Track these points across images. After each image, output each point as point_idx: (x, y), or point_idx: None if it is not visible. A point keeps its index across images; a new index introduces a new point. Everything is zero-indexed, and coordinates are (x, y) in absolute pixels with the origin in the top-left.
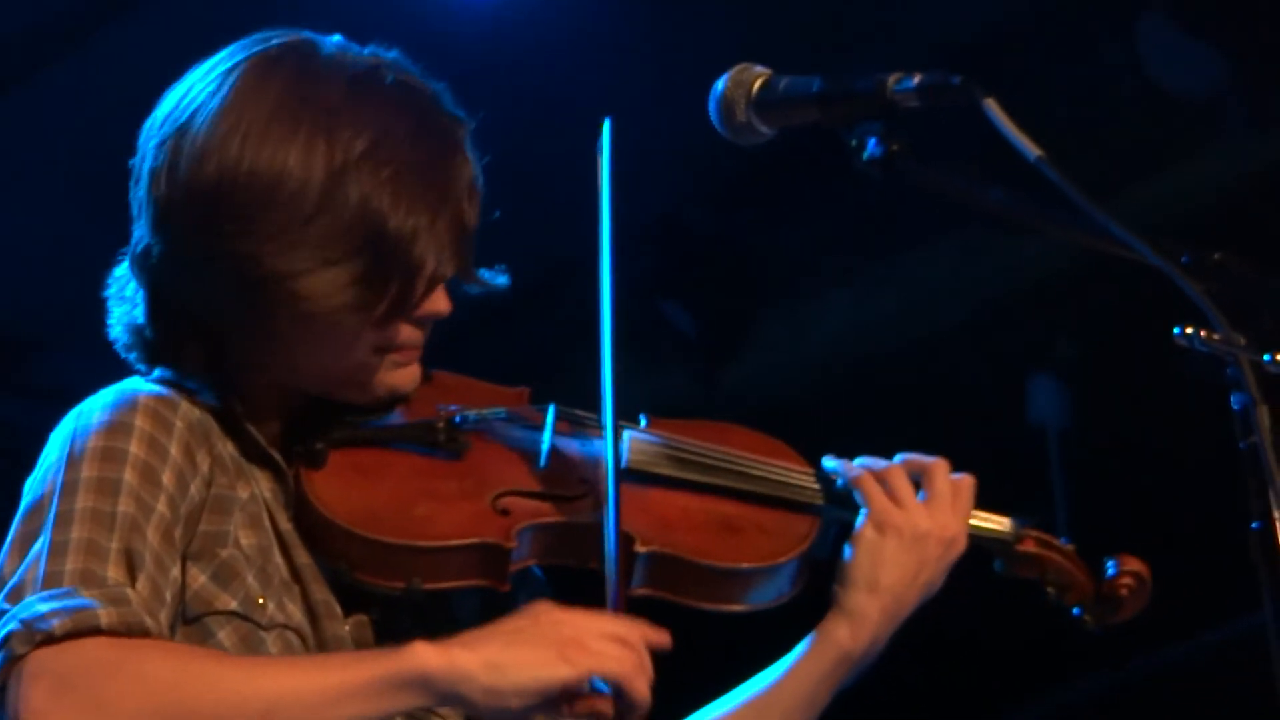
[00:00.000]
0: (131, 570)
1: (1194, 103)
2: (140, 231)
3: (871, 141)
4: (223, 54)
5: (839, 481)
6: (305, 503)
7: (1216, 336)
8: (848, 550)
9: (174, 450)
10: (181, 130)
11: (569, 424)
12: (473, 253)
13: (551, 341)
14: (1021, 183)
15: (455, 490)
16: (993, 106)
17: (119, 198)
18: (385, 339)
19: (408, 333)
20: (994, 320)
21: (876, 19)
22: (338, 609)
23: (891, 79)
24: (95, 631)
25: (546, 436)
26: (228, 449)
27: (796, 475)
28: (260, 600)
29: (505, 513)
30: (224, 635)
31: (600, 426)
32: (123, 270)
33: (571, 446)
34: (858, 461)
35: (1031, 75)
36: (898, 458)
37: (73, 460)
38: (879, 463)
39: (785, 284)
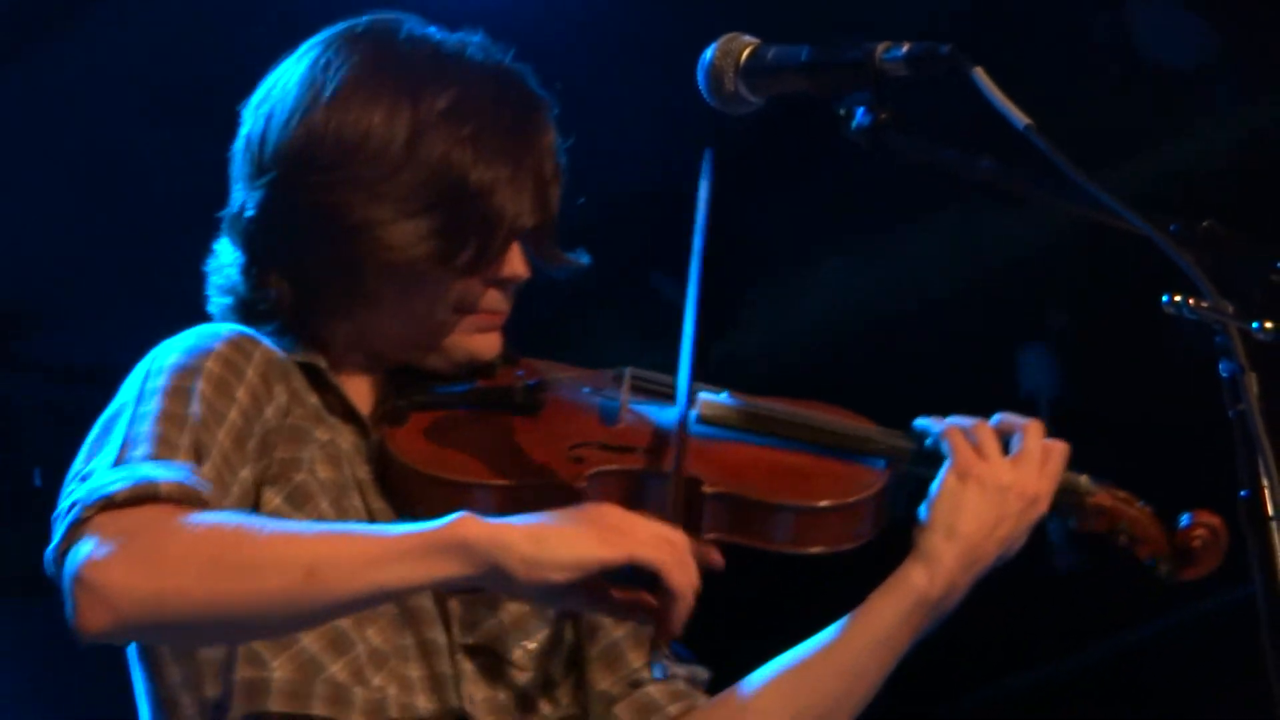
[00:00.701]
0: (199, 458)
1: (1184, 74)
2: (236, 195)
3: (860, 111)
4: (313, 38)
5: (928, 441)
6: (385, 453)
7: (1204, 304)
8: (929, 497)
9: (250, 373)
10: (273, 99)
11: (643, 389)
12: (553, 219)
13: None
14: (1011, 154)
15: (530, 442)
16: (981, 76)
17: (109, 173)
18: (466, 297)
19: (488, 295)
20: (985, 291)
21: None
22: None
23: (880, 48)
24: (155, 498)
25: (620, 397)
26: (310, 398)
27: (877, 433)
28: (337, 487)
29: (579, 460)
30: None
31: (671, 391)
32: (221, 243)
33: (644, 409)
34: (948, 420)
35: (1021, 47)
36: (993, 419)
37: (149, 375)
38: (967, 420)
39: (776, 257)
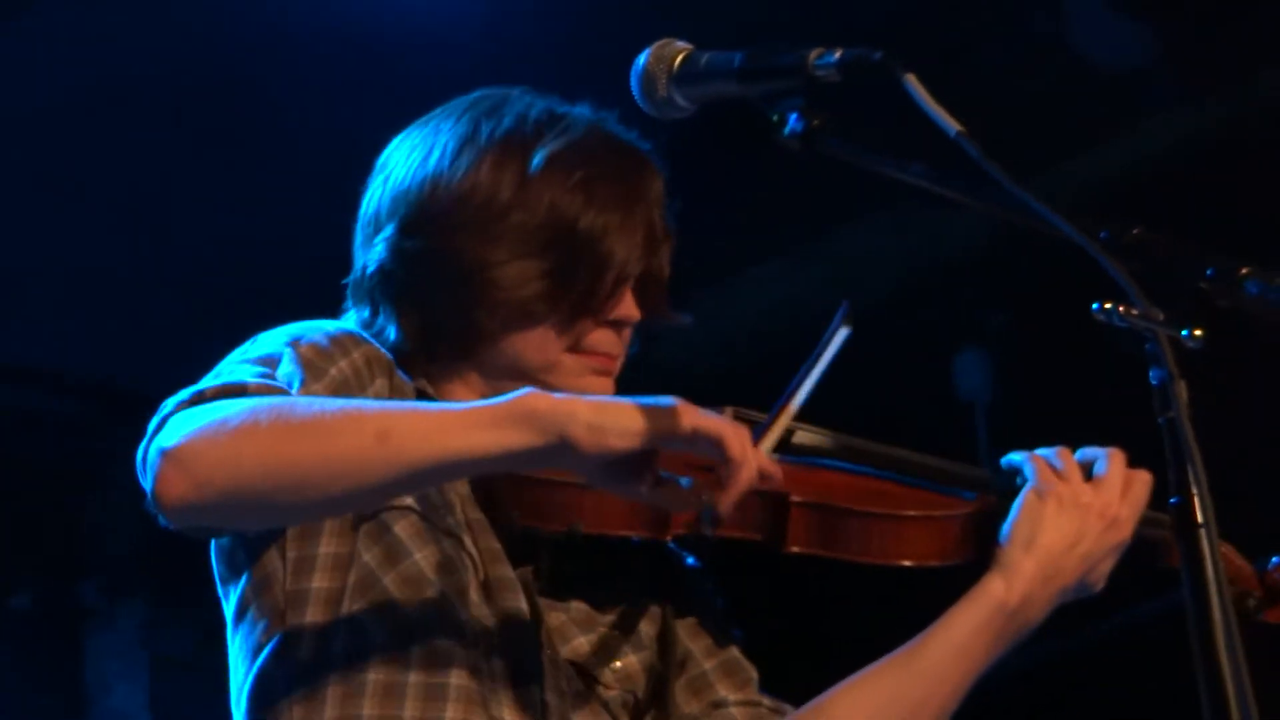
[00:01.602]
0: (291, 387)
1: (1121, 76)
2: (356, 262)
3: (793, 117)
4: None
5: (1016, 474)
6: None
7: (1135, 312)
8: (1009, 517)
9: (355, 354)
10: (388, 168)
11: (741, 420)
12: (661, 274)
13: None
14: (949, 155)
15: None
16: (913, 82)
17: (59, 165)
18: (577, 338)
19: (600, 336)
20: (921, 293)
21: None
22: (504, 557)
23: (813, 54)
24: (242, 392)
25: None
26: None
27: (967, 469)
28: (437, 505)
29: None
30: (400, 528)
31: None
32: (346, 316)
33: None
34: (1037, 451)
35: (957, 49)
36: (1079, 452)
37: (254, 340)
38: (1053, 450)
39: (713, 259)
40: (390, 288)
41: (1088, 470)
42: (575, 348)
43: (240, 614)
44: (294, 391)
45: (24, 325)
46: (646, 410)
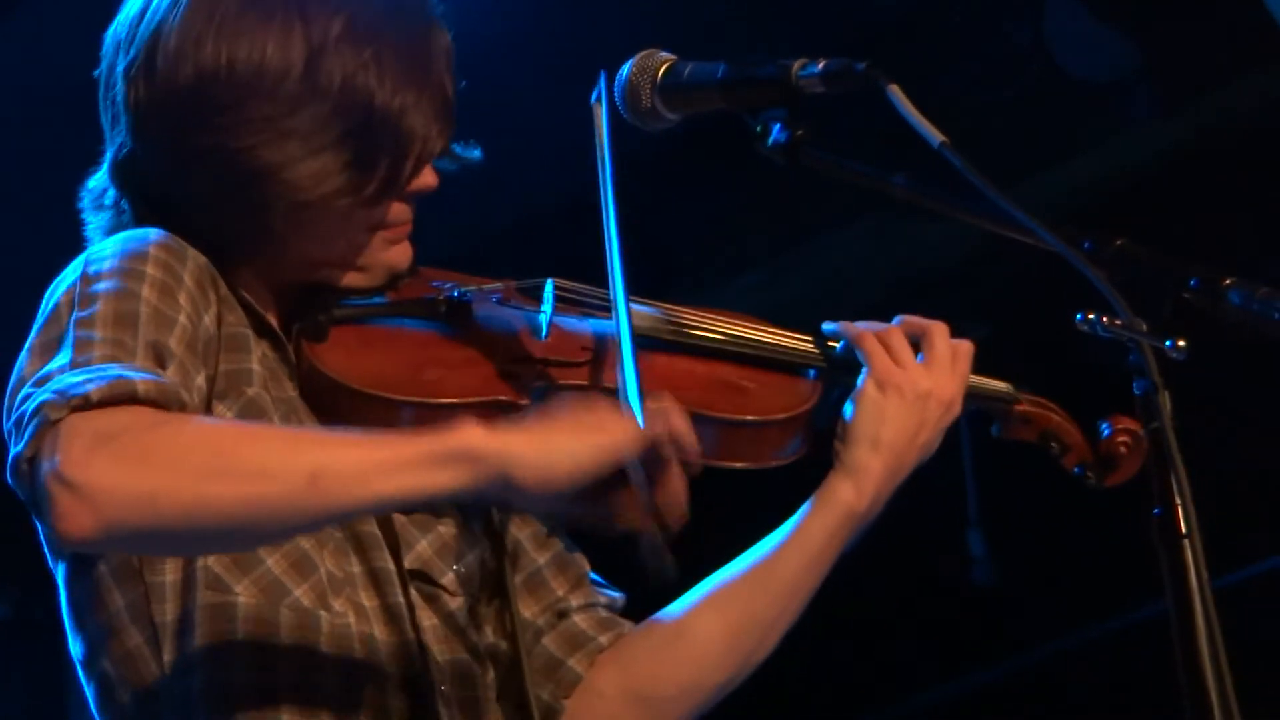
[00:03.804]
0: (160, 362)
1: (1101, 87)
2: (119, 138)
3: (776, 127)
4: None
5: (840, 346)
6: (313, 371)
7: (1118, 322)
8: (849, 409)
9: (187, 278)
10: (154, 32)
11: (567, 299)
12: (452, 122)
13: None
14: (932, 165)
15: (462, 358)
16: (896, 93)
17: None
18: (378, 218)
19: (399, 210)
20: (904, 303)
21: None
22: None
23: (796, 65)
24: (133, 399)
25: (546, 310)
26: (234, 312)
27: (796, 340)
28: (281, 412)
29: (515, 377)
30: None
31: (596, 302)
32: (98, 180)
33: (569, 320)
34: (858, 325)
35: (938, 60)
36: (895, 320)
37: (87, 278)
38: (878, 325)
39: (694, 268)
40: (168, 186)
41: (916, 346)
42: (376, 226)
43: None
44: (168, 366)
45: (15, 329)
46: (586, 442)
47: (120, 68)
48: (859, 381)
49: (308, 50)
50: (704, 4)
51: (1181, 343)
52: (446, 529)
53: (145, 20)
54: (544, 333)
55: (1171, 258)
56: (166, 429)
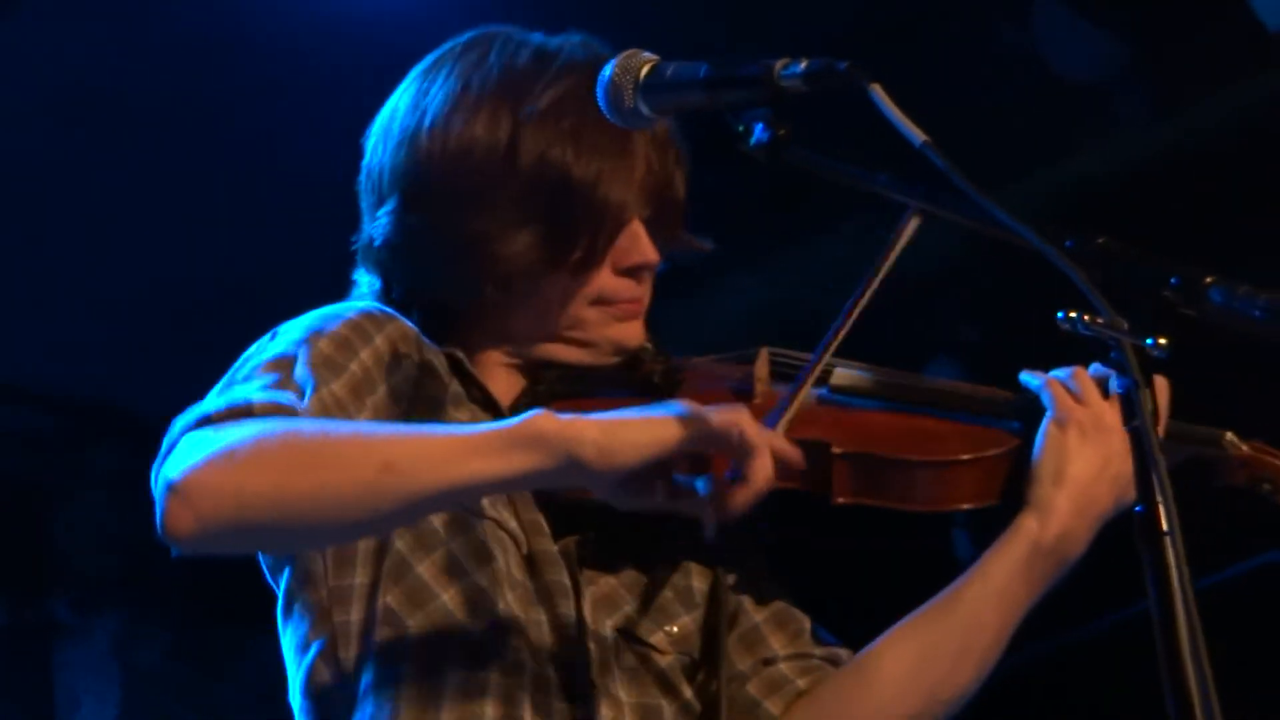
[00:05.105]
0: (302, 393)
1: (1090, 88)
2: (364, 225)
3: (758, 127)
4: (420, 63)
5: (1031, 392)
6: None
7: (1100, 320)
8: (1034, 451)
9: (379, 340)
10: (385, 127)
11: (780, 364)
12: (675, 208)
13: None
14: (915, 165)
15: None
16: (879, 92)
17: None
18: (594, 292)
19: (619, 285)
20: (892, 304)
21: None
22: (547, 529)
23: (778, 65)
24: (248, 414)
25: (756, 373)
26: (452, 384)
27: (995, 394)
28: None
29: None
30: (435, 516)
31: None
32: (358, 274)
33: (782, 386)
34: (1052, 373)
35: (926, 60)
36: (1092, 367)
37: (275, 333)
38: (1066, 370)
39: (686, 267)
40: (398, 262)
41: (1104, 386)
42: (598, 301)
43: (288, 607)
44: (308, 396)
45: (13, 328)
46: (653, 422)
47: (364, 162)
48: (1043, 423)
49: (512, 128)
50: (695, 6)
51: (1163, 340)
52: (658, 592)
53: (384, 120)
54: (750, 394)
55: (1153, 256)
56: (257, 430)
